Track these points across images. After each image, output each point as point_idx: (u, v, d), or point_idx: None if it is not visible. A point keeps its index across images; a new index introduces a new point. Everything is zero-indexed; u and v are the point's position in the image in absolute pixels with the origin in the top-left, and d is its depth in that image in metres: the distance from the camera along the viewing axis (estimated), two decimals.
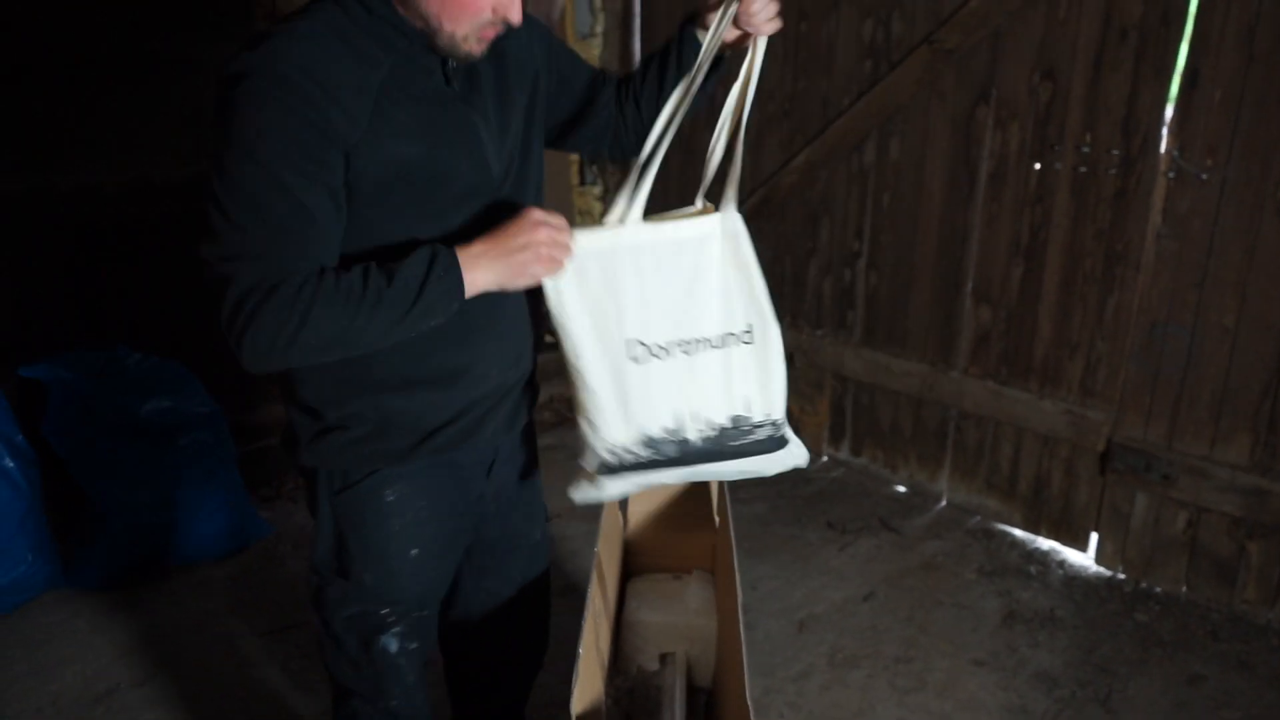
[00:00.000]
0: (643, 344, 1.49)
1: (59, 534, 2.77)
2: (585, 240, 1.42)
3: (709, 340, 1.51)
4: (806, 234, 3.49)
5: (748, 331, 1.53)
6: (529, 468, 1.79)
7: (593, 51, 4.01)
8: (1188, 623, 2.72)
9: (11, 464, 2.60)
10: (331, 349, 1.32)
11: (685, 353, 1.51)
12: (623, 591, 2.21)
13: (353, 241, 1.35)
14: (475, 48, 1.35)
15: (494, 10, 1.33)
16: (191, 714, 2.36)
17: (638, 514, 2.30)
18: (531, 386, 1.70)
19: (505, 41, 1.46)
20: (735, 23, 1.50)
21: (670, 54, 1.62)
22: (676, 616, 2.08)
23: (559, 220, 1.39)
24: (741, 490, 3.36)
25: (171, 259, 3.19)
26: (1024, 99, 2.87)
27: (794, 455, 1.63)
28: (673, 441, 1.53)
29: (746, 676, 1.58)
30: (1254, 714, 2.39)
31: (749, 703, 1.51)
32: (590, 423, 1.51)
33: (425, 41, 1.35)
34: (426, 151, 1.35)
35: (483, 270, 1.35)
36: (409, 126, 1.34)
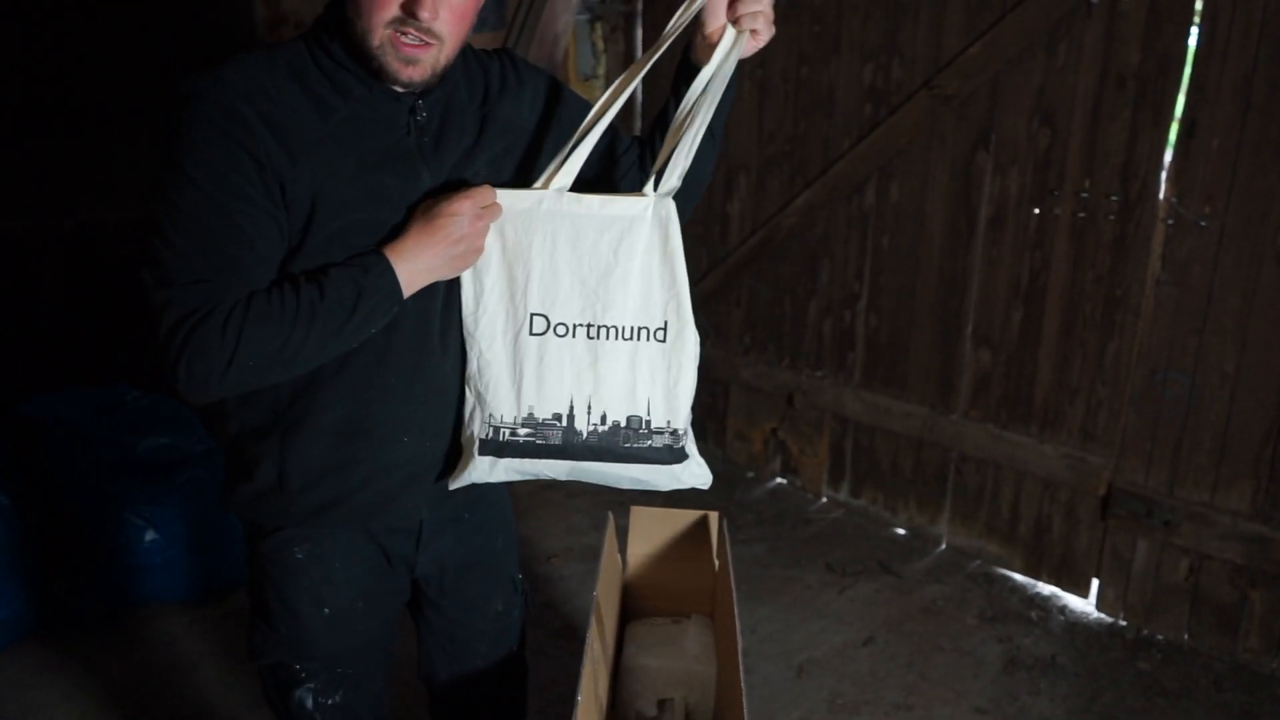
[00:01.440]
0: (545, 318, 1.43)
1: (53, 572, 2.74)
2: (505, 199, 1.39)
3: (619, 330, 1.43)
4: (807, 275, 3.51)
5: (662, 329, 1.44)
6: (485, 538, 1.69)
7: (595, 93, 4.04)
8: (1191, 671, 2.69)
9: (6, 501, 2.58)
10: (270, 369, 1.28)
11: (590, 337, 1.43)
12: (621, 635, 2.19)
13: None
14: (399, 67, 1.29)
15: (401, 6, 1.25)
16: None
17: (637, 556, 2.29)
18: None
19: (495, 106, 1.46)
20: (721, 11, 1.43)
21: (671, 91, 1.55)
22: (675, 662, 2.06)
23: (481, 195, 1.35)
24: (741, 531, 3.34)
25: None
26: (1023, 144, 2.89)
27: (693, 474, 1.50)
28: (559, 429, 1.44)
29: None
30: None
31: None
32: (478, 394, 1.45)
33: (379, 78, 1.31)
34: (364, 201, 1.33)
35: (421, 269, 1.33)
36: (351, 176, 1.31)
